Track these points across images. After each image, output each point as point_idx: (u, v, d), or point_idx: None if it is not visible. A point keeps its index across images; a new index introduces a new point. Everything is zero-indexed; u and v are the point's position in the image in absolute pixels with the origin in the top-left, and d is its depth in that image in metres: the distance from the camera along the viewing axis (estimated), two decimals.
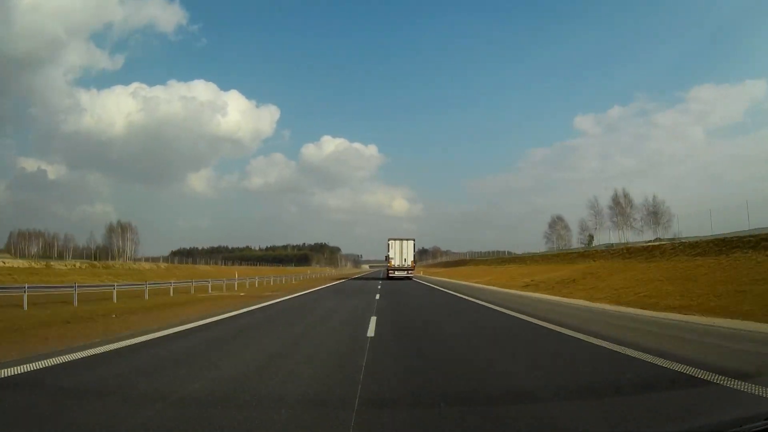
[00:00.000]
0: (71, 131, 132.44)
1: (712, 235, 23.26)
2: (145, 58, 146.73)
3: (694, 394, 4.09)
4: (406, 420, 3.52)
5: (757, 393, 3.85)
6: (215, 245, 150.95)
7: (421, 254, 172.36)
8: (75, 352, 6.01)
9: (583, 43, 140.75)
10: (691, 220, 47.31)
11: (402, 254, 39.66)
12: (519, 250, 67.60)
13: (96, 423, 3.33)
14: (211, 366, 5.37)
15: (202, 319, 10.60)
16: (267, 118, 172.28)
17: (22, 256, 64.55)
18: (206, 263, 77.94)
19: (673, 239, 30.59)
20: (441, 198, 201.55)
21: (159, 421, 3.36)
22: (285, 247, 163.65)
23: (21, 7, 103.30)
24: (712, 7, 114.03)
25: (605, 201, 47.89)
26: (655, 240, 35.39)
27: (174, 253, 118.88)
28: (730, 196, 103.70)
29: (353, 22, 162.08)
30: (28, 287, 14.52)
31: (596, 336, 7.36)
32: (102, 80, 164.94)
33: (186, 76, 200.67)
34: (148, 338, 7.47)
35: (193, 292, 23.37)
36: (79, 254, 72.74)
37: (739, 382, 4.13)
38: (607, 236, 47.38)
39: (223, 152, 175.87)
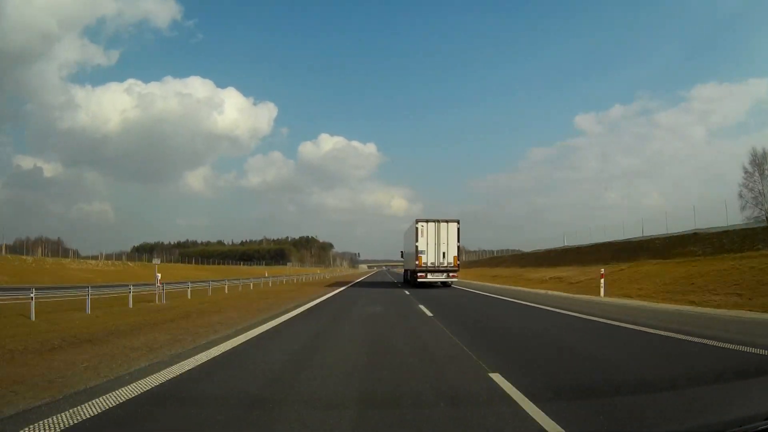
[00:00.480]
0: (67, 128, 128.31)
1: None
2: (140, 53, 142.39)
3: None
4: None
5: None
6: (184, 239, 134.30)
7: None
8: None
9: (584, 40, 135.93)
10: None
11: (439, 245, 23.47)
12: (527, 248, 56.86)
13: None
14: None
15: None
16: (265, 115, 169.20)
17: None
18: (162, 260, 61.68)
19: None
20: (441, 197, 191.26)
21: None
22: (260, 241, 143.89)
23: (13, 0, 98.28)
24: (716, 3, 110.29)
25: None
26: None
27: (136, 249, 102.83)
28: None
29: (353, 18, 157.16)
30: None
31: None
32: (97, 76, 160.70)
33: (182, 73, 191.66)
34: None
35: None
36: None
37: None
38: None
39: (221, 150, 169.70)
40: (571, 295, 18.79)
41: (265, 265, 66.23)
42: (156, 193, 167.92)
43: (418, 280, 23.39)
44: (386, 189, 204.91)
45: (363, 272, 77.00)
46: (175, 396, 4.14)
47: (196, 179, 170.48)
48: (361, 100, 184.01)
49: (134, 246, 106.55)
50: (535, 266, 39.72)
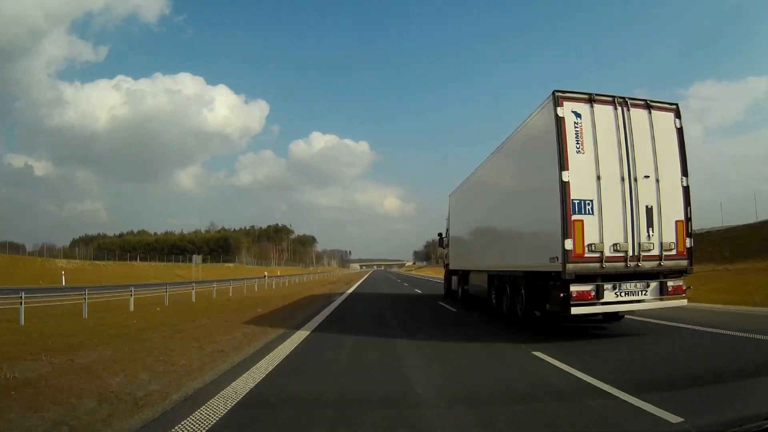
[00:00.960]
0: (56, 126, 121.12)
1: None
2: (129, 49, 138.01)
3: None
4: None
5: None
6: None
7: (418, 256, 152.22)
8: None
9: (582, 38, 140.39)
10: None
11: (637, 190, 6.56)
12: None
13: None
14: None
15: None
16: (256, 113, 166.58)
17: None
18: None
19: None
20: (435, 198, 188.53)
21: None
22: (196, 232, 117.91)
23: None
24: (715, 1, 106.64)
25: None
26: None
27: (75, 241, 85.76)
28: None
29: (349, 16, 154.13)
30: None
31: None
32: (86, 73, 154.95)
33: (172, 70, 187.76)
34: None
35: None
36: None
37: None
38: None
39: (212, 148, 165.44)
40: None
41: (195, 262, 46.48)
42: (147, 192, 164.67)
43: (574, 308, 6.28)
44: (379, 188, 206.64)
45: (354, 275, 59.39)
46: None
47: (187, 177, 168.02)
48: (355, 99, 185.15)
49: (74, 238, 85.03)
50: None
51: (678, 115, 6.99)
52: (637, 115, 6.76)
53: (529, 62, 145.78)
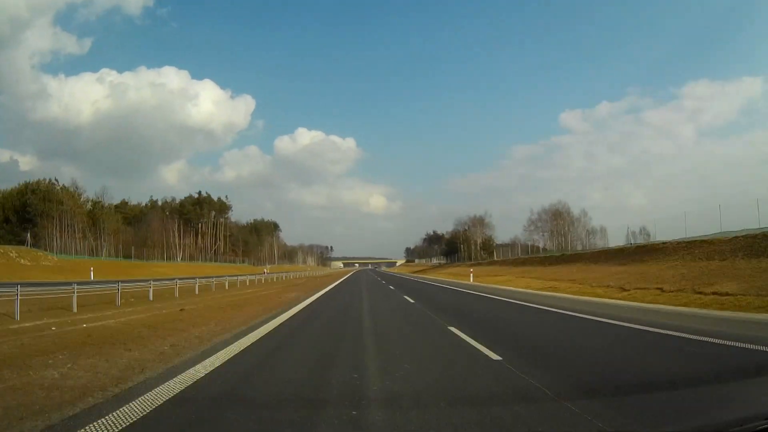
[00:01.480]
0: (39, 119, 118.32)
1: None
2: (112, 42, 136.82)
3: None
4: None
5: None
6: None
7: (410, 253, 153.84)
8: None
9: (573, 35, 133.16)
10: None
11: None
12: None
13: None
14: None
15: None
16: (242, 109, 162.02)
17: None
18: None
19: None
20: (421, 196, 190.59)
21: None
22: None
23: None
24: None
25: None
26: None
27: None
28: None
29: (335, 10, 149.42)
30: None
31: None
32: (69, 65, 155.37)
33: (156, 63, 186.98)
34: None
35: None
36: None
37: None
38: None
39: (197, 144, 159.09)
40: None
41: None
42: (131, 188, 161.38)
43: None
44: (365, 186, 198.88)
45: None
46: None
47: (171, 173, 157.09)
48: (341, 94, 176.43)
49: None
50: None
51: None
52: None
53: (518, 59, 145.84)
